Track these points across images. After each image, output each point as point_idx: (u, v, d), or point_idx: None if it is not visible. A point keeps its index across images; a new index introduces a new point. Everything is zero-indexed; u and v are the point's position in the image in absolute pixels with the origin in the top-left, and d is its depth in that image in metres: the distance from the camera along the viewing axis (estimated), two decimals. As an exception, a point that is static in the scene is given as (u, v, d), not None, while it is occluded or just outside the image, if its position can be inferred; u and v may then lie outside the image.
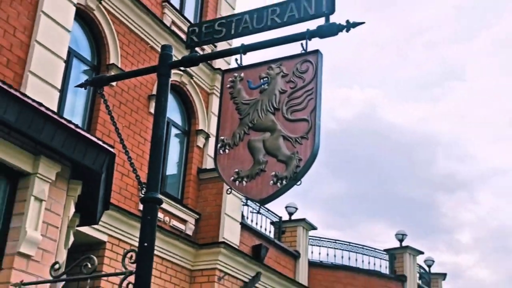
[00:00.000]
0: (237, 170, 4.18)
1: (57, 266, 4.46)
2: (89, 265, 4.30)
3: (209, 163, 12.56)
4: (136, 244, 9.94)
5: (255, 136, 4.21)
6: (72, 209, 5.84)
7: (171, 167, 12.27)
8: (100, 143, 5.59)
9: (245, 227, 12.65)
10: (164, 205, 11.15)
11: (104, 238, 9.97)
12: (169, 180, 12.16)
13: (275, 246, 13.63)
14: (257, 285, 12.42)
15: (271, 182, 4.02)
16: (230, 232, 11.94)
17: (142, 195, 4.28)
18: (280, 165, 4.03)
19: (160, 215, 11.12)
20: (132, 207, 10.57)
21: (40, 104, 5.13)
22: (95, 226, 9.74)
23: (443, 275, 19.03)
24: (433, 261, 18.32)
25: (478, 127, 66.91)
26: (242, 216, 13.06)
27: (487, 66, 63.68)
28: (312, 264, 14.62)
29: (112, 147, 5.72)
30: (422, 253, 16.36)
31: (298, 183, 3.96)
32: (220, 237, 11.66)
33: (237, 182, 4.17)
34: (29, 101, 5.00)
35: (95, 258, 4.40)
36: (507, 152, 65.07)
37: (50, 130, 5.16)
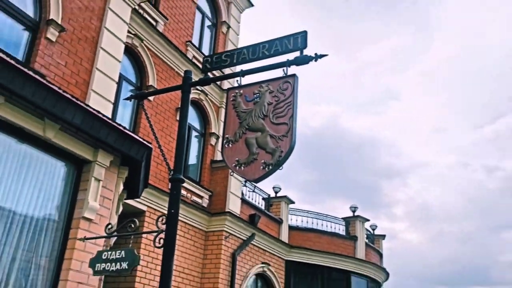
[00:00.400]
0: (237, 159, 4.17)
1: (109, 226, 4.41)
2: (133, 226, 4.25)
3: (219, 156, 12.54)
4: (164, 211, 9.93)
5: (250, 135, 4.21)
6: (121, 187, 5.79)
7: (192, 159, 12.20)
8: (141, 140, 5.54)
9: (244, 201, 12.58)
10: (186, 185, 11.12)
11: (144, 208, 9.91)
12: (191, 168, 12.09)
13: (265, 215, 13.57)
14: (253, 242, 12.39)
15: (261, 167, 4.02)
16: (234, 205, 11.89)
17: (170, 177, 4.24)
18: (267, 155, 4.03)
19: (183, 192, 11.06)
20: (164, 187, 10.51)
21: (98, 112, 5.09)
22: (138, 200, 9.70)
23: (383, 236, 18.99)
24: (376, 226, 18.28)
25: (409, 133, 67.13)
26: (242, 193, 13.01)
27: (416, 90, 63.91)
28: (291, 228, 14.57)
29: (150, 143, 5.67)
30: (368, 220, 16.32)
31: (281, 168, 3.97)
32: (226, 208, 11.61)
33: (237, 167, 4.16)
34: (90, 109, 4.96)
35: (136, 221, 4.35)
36: (428, 151, 65.45)
37: (105, 130, 5.12)
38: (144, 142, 5.49)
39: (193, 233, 11.15)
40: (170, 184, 4.08)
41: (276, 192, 14.79)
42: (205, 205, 11.71)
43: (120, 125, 5.33)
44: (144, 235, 9.75)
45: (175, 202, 3.72)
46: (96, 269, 3.90)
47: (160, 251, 9.59)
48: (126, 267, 3.73)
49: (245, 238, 12.06)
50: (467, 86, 64.36)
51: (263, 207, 13.89)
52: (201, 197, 11.66)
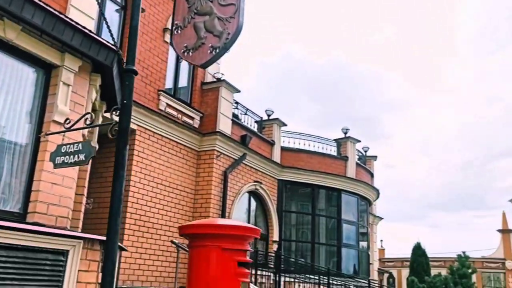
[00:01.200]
0: (185, 45, 3.95)
1: (68, 121, 4.26)
2: (89, 119, 4.09)
3: (209, 78, 12.27)
4: (155, 131, 9.81)
5: (198, 19, 3.93)
6: (94, 94, 5.61)
7: (183, 81, 11.96)
8: (108, 43, 5.27)
9: (235, 122, 12.46)
10: (177, 106, 10.96)
11: (134, 127, 9.82)
12: (182, 91, 11.88)
13: (257, 137, 13.51)
14: (244, 161, 12.41)
15: (209, 51, 3.80)
16: (224, 125, 11.79)
17: (124, 68, 3.97)
18: (215, 38, 3.78)
19: (174, 112, 10.95)
20: (154, 107, 10.37)
21: (61, 12, 4.81)
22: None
23: (375, 157, 19.04)
24: (368, 148, 18.27)
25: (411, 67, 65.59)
26: (236, 116, 12.90)
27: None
28: (283, 149, 14.55)
29: (117, 47, 5.39)
30: (359, 141, 16.26)
31: (228, 51, 3.74)
32: (217, 128, 11.52)
33: (185, 53, 3.96)
34: (52, 9, 4.68)
35: (93, 114, 4.19)
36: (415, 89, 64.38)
37: (70, 32, 4.85)
38: (112, 46, 5.23)
39: (185, 152, 11.14)
40: (123, 75, 3.85)
41: (268, 115, 14.63)
42: (196, 126, 11.62)
43: (85, 28, 5.06)
44: (136, 153, 9.74)
45: (129, 93, 3.55)
46: (56, 163, 3.83)
47: (153, 168, 9.54)
48: (84, 159, 3.65)
49: (236, 158, 12.06)
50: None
51: (255, 129, 13.79)
52: (192, 118, 11.54)
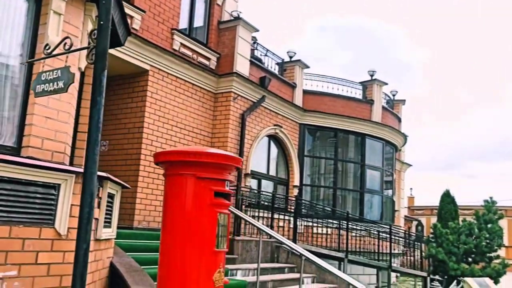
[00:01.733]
0: None
1: (47, 47, 4.02)
2: (67, 45, 3.82)
3: (226, 17, 11.80)
4: (169, 72, 9.54)
5: None
6: (90, 25, 5.35)
7: (199, 21, 11.53)
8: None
9: (254, 64, 12.05)
10: (193, 47, 10.65)
11: (147, 67, 9.58)
12: (198, 31, 11.48)
13: (277, 79, 13.09)
14: (264, 104, 12.11)
15: None
16: (242, 66, 11.41)
17: None
18: None
19: (189, 53, 10.64)
20: (167, 46, 10.07)
21: None
22: (140, 59, 9.36)
23: (403, 101, 18.37)
24: (397, 92, 17.58)
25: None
26: (257, 58, 12.47)
27: None
28: (305, 92, 14.12)
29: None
30: (386, 84, 15.56)
31: None
32: (234, 69, 11.17)
33: None
34: None
35: (71, 39, 3.92)
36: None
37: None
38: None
39: (201, 94, 10.91)
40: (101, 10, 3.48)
41: (290, 57, 14.11)
42: (213, 67, 11.30)
43: (73, -50, 4.73)
44: (149, 94, 9.58)
45: (106, 14, 3.25)
46: (36, 91, 3.64)
47: (168, 110, 9.35)
48: (62, 86, 3.44)
49: (255, 100, 11.76)
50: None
51: (276, 71, 13.35)
52: (208, 59, 11.20)
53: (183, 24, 10.85)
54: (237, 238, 9.23)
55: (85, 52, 4.51)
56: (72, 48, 3.87)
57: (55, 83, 3.43)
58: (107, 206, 5.12)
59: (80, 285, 3.01)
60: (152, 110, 9.59)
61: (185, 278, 3.08)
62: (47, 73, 3.58)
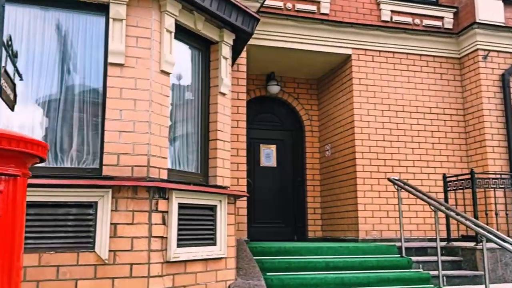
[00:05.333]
0: None
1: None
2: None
3: (457, -43, 9.22)
4: (380, 49, 8.06)
5: None
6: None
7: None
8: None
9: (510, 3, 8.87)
10: (412, 10, 8.83)
11: (348, 51, 8.39)
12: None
13: None
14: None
15: None
16: (488, 11, 8.54)
17: None
18: None
19: (407, 19, 8.78)
20: (373, 20, 8.58)
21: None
22: (338, 45, 8.31)
23: None
24: None
25: None
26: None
27: None
28: None
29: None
30: None
31: None
32: (476, 18, 8.48)
33: None
34: None
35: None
36: None
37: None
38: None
39: (436, 65, 8.76)
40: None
41: None
42: (449, 26, 8.93)
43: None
44: (356, 82, 8.32)
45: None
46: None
47: (386, 94, 7.97)
48: None
49: (522, 51, 8.57)
50: None
51: None
52: (439, 18, 8.94)
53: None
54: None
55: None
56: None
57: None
58: (208, 220, 4.50)
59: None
60: (364, 99, 8.26)
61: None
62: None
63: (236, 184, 6.92)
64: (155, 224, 3.95)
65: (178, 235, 4.13)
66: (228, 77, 5.36)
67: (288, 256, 5.98)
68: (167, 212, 4.06)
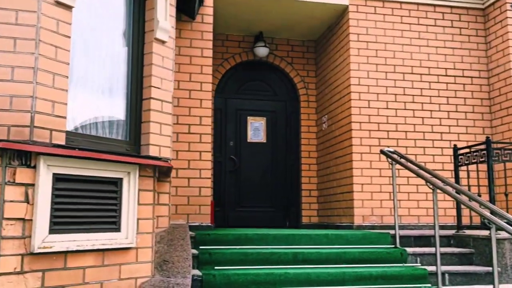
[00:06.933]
0: None
1: None
2: None
3: None
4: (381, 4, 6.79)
5: None
6: None
7: None
8: None
9: None
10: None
11: (345, 2, 7.08)
12: None
13: None
14: None
15: None
16: (519, -51, 7.03)
17: None
18: None
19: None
20: (376, -35, 7.21)
21: None
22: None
23: None
24: None
25: None
26: None
27: None
28: None
29: None
30: None
31: None
32: (503, -41, 6.99)
33: None
34: None
35: None
36: None
37: None
38: None
39: (454, 17, 7.33)
40: None
41: None
42: (471, -30, 7.45)
43: None
44: (353, 38, 7.02)
45: None
46: None
47: (391, 53, 6.56)
48: None
49: None
50: None
51: None
52: (458, -40, 7.47)
53: None
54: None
55: None
56: None
57: None
58: (108, 198, 3.44)
59: None
60: (363, 58, 6.94)
61: None
62: None
63: (199, 159, 5.87)
64: (11, 201, 2.91)
65: (53, 216, 3.09)
66: (169, 20, 4.25)
67: (248, 245, 4.85)
68: (33, 185, 3.01)
